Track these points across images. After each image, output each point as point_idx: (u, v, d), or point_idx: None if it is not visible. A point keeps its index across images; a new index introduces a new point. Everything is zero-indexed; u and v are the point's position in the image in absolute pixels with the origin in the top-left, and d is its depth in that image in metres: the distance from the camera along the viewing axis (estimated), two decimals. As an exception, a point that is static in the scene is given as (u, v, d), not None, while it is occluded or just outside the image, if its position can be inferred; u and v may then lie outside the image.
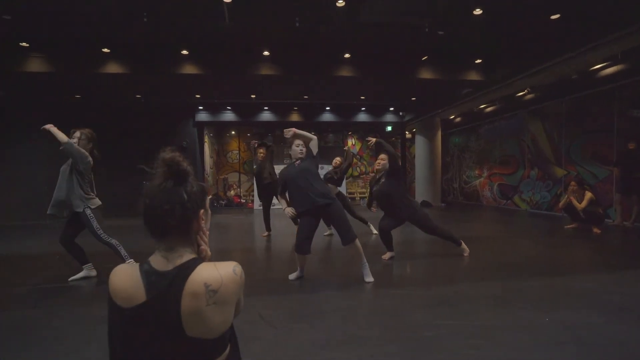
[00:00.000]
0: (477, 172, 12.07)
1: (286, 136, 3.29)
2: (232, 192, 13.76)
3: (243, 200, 13.10)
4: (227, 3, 4.73)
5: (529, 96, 8.88)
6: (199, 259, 0.97)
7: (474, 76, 7.44)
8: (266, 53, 6.72)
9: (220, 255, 4.79)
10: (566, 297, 2.88)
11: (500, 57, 7.00)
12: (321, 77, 7.40)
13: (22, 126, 8.71)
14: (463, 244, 4.33)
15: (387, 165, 4.10)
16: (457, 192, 13.39)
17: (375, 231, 6.13)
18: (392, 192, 4.01)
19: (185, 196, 0.93)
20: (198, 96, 9.65)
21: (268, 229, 6.16)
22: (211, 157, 13.96)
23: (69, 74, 6.82)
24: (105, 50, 6.36)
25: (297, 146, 3.29)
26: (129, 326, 0.90)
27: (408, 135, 14.54)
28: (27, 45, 6.22)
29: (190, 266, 0.91)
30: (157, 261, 0.93)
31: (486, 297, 2.94)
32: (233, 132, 14.62)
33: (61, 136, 3.41)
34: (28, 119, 8.83)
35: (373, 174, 4.14)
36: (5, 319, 2.62)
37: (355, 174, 15.31)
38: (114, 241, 3.56)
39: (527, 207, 9.50)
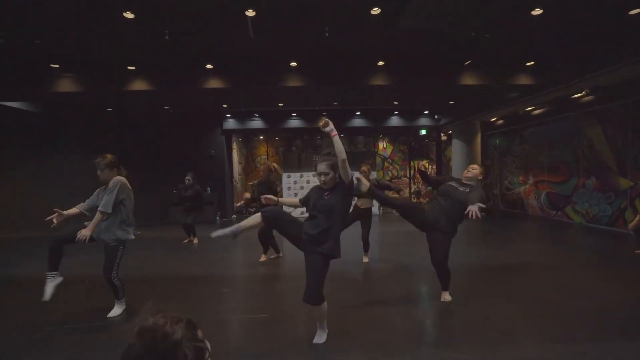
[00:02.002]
0: (521, 178, 11.11)
1: (322, 127, 2.60)
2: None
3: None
4: (250, 17, 4.38)
5: (587, 98, 7.91)
6: None
7: (524, 80, 6.64)
8: (294, 64, 6.34)
9: (250, 286, 4.48)
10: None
11: (557, 58, 6.18)
12: (352, 87, 6.93)
13: (55, 141, 9.00)
14: (447, 294, 3.68)
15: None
16: (498, 199, 12.44)
17: (366, 259, 5.45)
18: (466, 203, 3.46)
19: None
20: (225, 106, 9.49)
21: (277, 250, 5.63)
22: (240, 163, 13.89)
23: (98, 92, 6.83)
24: (131, 67, 6.26)
25: (320, 175, 2.67)
26: None
27: (443, 137, 13.72)
28: (58, 66, 6.24)
29: None
30: None
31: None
32: (261, 137, 14.48)
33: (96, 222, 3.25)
34: (62, 135, 9.12)
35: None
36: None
37: (387, 178, 14.70)
38: (118, 282, 3.39)
39: (582, 221, 8.53)
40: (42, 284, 3.28)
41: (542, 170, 10.01)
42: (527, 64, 6.47)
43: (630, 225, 5.72)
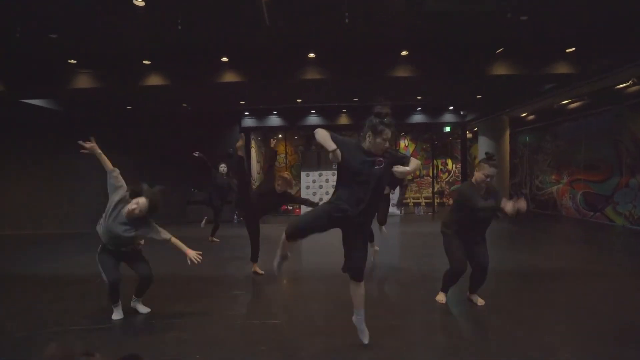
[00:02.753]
0: (553, 177, 10.40)
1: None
2: (279, 198, 13.42)
3: (290, 207, 12.71)
4: (266, 2, 4.13)
5: (633, 88, 7.21)
6: None
7: (563, 68, 6.06)
8: (312, 55, 6.06)
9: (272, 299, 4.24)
10: None
11: (602, 42, 5.57)
12: (374, 79, 6.57)
13: (76, 140, 9.08)
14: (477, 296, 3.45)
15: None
16: (527, 199, 11.73)
17: (375, 251, 5.04)
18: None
19: None
20: (242, 102, 9.33)
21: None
22: (258, 162, 13.76)
23: (115, 88, 6.79)
24: (146, 62, 6.16)
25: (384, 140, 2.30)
26: None
27: (468, 134, 13.10)
28: (75, 62, 6.22)
29: None
30: None
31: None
32: (280, 136, 14.31)
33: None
34: (82, 133, 9.20)
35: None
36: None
37: (409, 178, 14.20)
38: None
39: (625, 222, 7.84)
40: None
41: (578, 169, 9.31)
42: (567, 50, 5.90)
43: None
